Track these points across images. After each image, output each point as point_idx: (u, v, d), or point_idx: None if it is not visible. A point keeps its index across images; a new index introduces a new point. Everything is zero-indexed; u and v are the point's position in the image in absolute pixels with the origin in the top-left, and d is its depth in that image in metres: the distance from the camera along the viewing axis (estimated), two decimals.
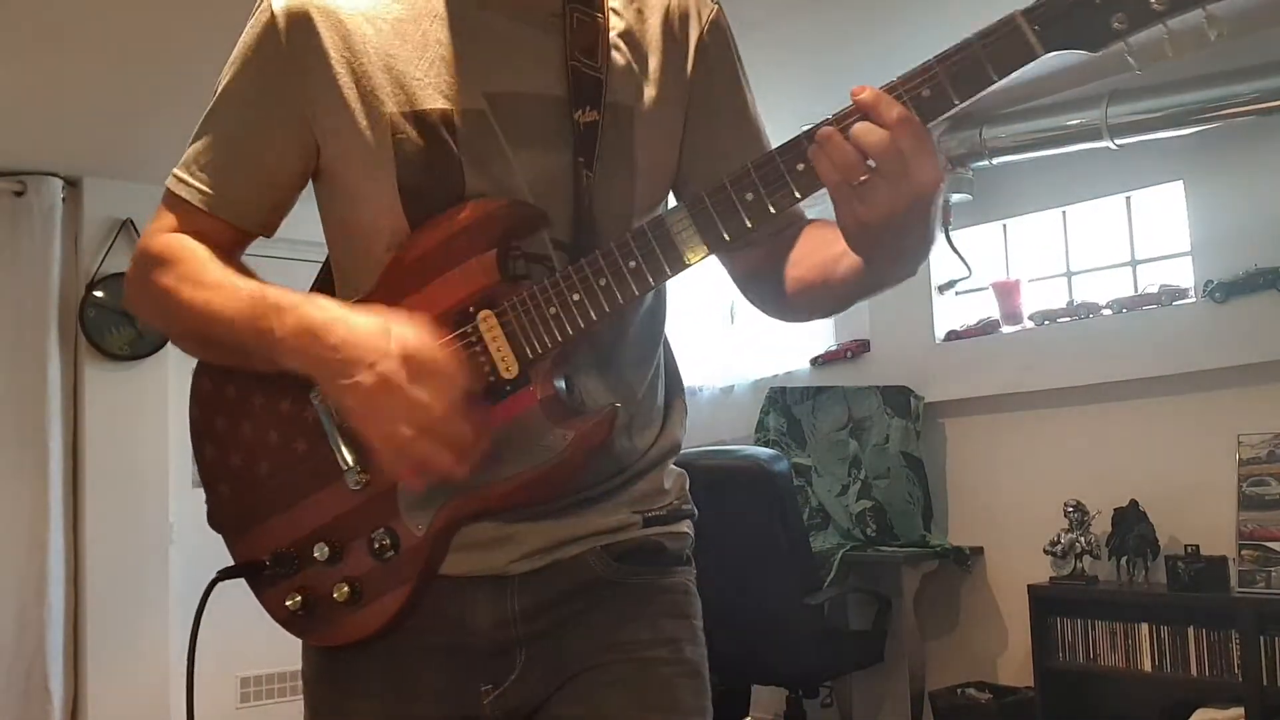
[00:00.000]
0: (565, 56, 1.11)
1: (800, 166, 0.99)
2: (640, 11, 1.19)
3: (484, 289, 1.05)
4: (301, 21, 1.11)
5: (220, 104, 1.16)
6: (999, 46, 0.95)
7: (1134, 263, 4.10)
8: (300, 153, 1.14)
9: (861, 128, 0.94)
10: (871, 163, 0.94)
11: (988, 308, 4.35)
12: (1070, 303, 4.13)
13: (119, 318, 4.54)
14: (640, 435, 1.18)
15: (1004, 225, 4.44)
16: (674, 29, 1.19)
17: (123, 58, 3.44)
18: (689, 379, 5.68)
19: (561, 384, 1.07)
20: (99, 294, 4.53)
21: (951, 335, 4.38)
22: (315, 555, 1.11)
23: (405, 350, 0.99)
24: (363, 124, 1.09)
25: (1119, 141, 3.72)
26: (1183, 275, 3.84)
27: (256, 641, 4.27)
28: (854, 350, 4.63)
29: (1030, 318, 4.17)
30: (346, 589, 1.10)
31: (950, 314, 4.43)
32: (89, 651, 4.39)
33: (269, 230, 1.19)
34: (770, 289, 1.23)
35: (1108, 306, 3.94)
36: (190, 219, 1.15)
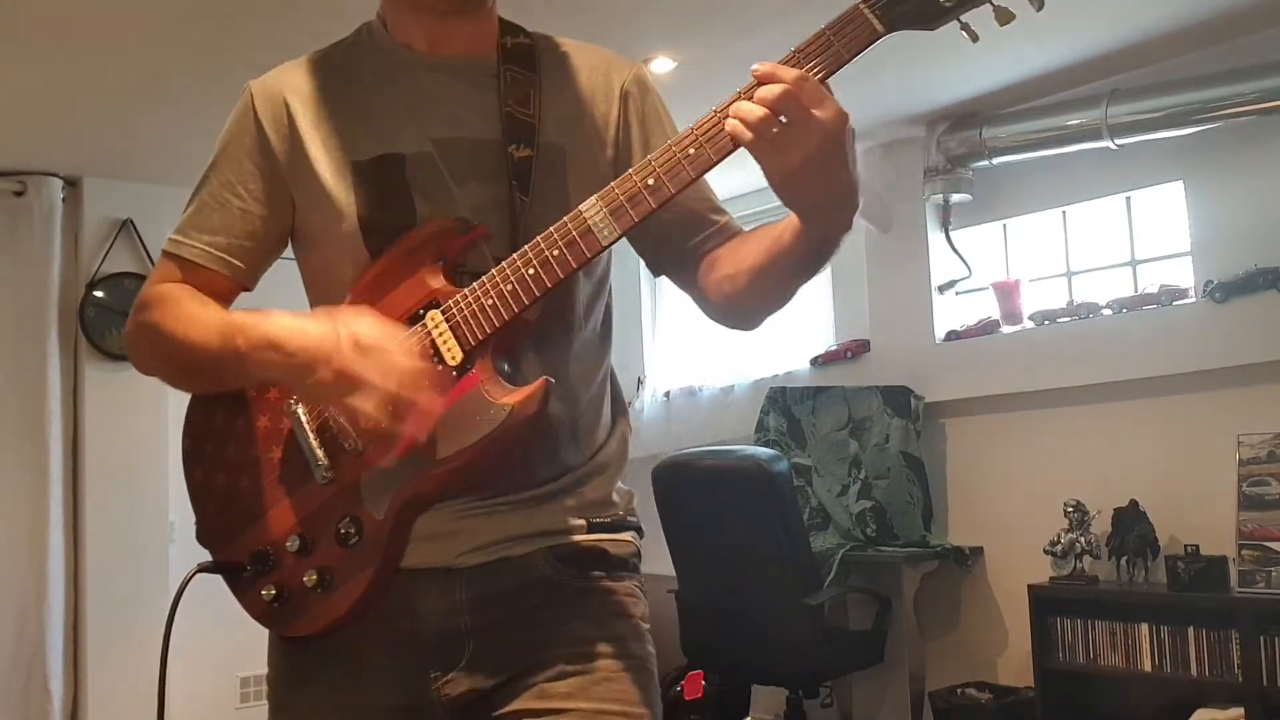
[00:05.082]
0: (501, 106, 1.28)
1: (692, 151, 1.12)
2: (569, 70, 1.35)
3: (433, 294, 1.19)
4: (276, 99, 1.29)
5: (211, 174, 1.31)
6: (847, 32, 1.09)
7: (1134, 263, 4.10)
8: (280, 211, 1.30)
9: (762, 89, 1.08)
10: (782, 118, 1.07)
11: (988, 308, 4.35)
12: (1070, 303, 4.13)
13: (119, 318, 4.54)
14: (585, 442, 1.30)
15: (1004, 225, 4.43)
16: (600, 83, 1.35)
17: (122, 58, 3.44)
18: (689, 379, 5.70)
19: (505, 366, 1.19)
20: (99, 294, 4.53)
21: (951, 335, 4.38)
22: (288, 548, 1.21)
23: (355, 341, 1.11)
24: (327, 175, 1.25)
25: (1119, 141, 3.72)
26: (1183, 275, 3.84)
27: (256, 641, 4.27)
28: (854, 350, 4.63)
29: (1030, 318, 4.17)
30: (315, 575, 1.19)
31: (950, 314, 4.43)
32: (89, 651, 4.40)
33: (252, 283, 1.34)
34: (727, 291, 1.31)
35: (1108, 306, 3.94)
36: (188, 274, 1.30)
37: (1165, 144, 3.71)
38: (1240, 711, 3.30)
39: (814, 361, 4.77)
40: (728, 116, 1.10)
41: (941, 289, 4.42)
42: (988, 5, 1.07)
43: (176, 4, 3.09)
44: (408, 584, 1.20)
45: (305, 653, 1.24)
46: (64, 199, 4.54)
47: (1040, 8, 1.07)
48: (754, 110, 1.07)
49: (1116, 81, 3.75)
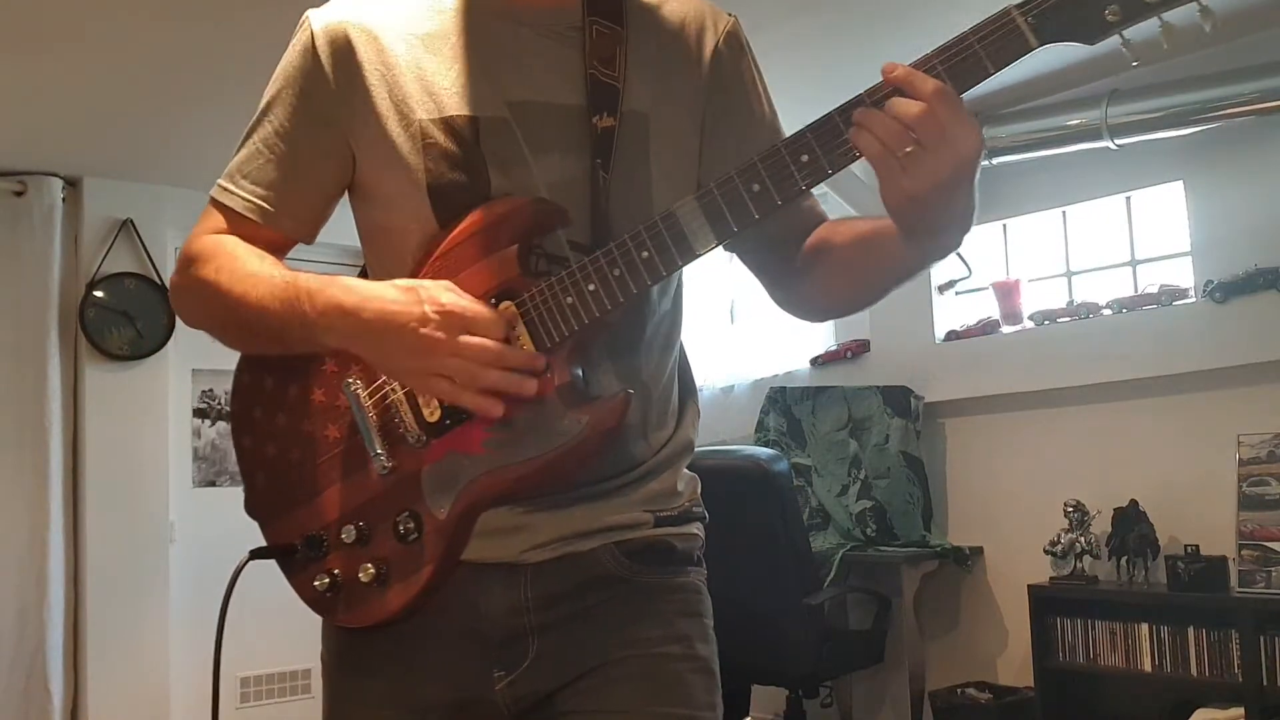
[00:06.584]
0: (585, 66, 1.16)
1: (805, 158, 1.02)
2: (658, 24, 1.23)
3: (505, 282, 1.10)
4: (340, 39, 1.18)
5: (264, 117, 1.21)
6: (995, 41, 0.97)
7: (1134, 263, 4.10)
8: (339, 163, 1.20)
9: (898, 101, 0.97)
10: (913, 134, 0.97)
11: (988, 308, 4.35)
12: (1070, 303, 4.13)
13: (119, 318, 4.54)
14: (654, 434, 1.21)
15: (1004, 225, 4.44)
16: (691, 40, 1.23)
17: (123, 58, 3.44)
18: None
19: (579, 372, 1.11)
20: (99, 294, 4.53)
21: (951, 335, 4.38)
22: (343, 538, 1.16)
23: (440, 307, 1.05)
24: (395, 131, 1.15)
25: (1119, 141, 3.72)
26: (1183, 275, 3.84)
27: (256, 641, 4.30)
28: (854, 350, 4.63)
29: (1030, 318, 4.17)
30: (372, 570, 1.14)
31: (950, 314, 4.43)
32: (89, 651, 4.39)
33: (310, 237, 1.24)
34: (804, 287, 1.26)
35: (1108, 306, 3.94)
36: (235, 225, 1.21)
37: (1165, 144, 3.71)
38: (1240, 711, 3.30)
39: (814, 361, 4.77)
40: (850, 122, 0.99)
41: (941, 289, 4.42)
42: (1155, 24, 0.98)
43: (178, 4, 3.10)
44: (471, 579, 1.15)
45: (362, 640, 1.20)
46: (64, 199, 4.54)
47: (1212, 27, 0.98)
48: (886, 124, 0.97)
49: (1116, 81, 3.75)
